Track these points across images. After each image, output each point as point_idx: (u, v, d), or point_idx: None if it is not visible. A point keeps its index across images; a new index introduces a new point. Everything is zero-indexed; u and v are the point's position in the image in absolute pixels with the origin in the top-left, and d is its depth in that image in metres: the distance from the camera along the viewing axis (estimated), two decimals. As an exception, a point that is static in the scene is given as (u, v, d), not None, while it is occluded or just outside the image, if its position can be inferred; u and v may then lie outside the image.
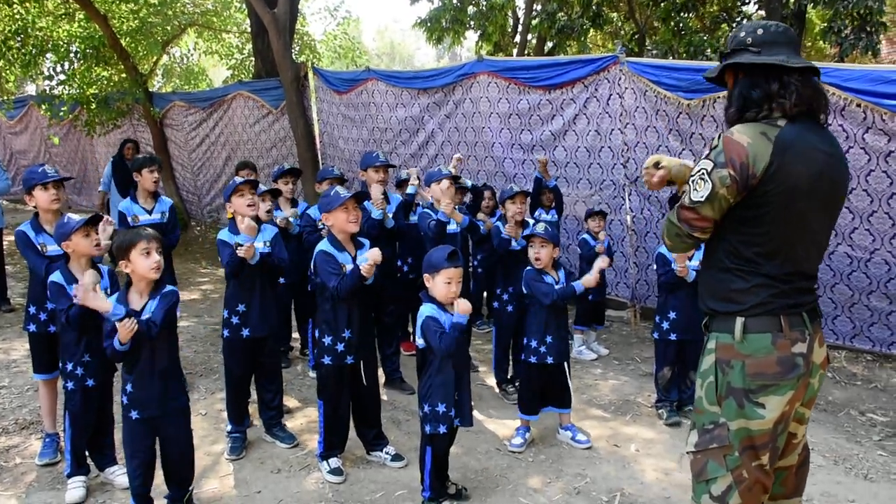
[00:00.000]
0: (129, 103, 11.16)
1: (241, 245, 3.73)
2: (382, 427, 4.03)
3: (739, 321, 2.17)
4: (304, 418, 4.58)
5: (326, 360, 3.65)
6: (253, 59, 11.63)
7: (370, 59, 15.12)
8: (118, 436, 3.99)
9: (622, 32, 13.55)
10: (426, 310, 3.31)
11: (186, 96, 11.43)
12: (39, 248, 3.77)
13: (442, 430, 3.31)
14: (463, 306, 3.21)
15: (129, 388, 3.10)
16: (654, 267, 4.58)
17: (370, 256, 3.53)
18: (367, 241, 3.76)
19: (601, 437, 4.30)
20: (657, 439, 4.28)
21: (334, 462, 3.77)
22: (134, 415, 3.11)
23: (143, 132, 11.86)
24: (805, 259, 2.20)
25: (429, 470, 3.39)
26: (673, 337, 4.49)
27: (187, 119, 11.16)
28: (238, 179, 4.06)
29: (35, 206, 3.87)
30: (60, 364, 3.58)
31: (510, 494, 3.62)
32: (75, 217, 3.48)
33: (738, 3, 12.08)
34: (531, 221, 4.75)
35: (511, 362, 5.00)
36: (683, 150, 5.72)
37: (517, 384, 4.93)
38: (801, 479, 2.41)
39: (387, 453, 3.91)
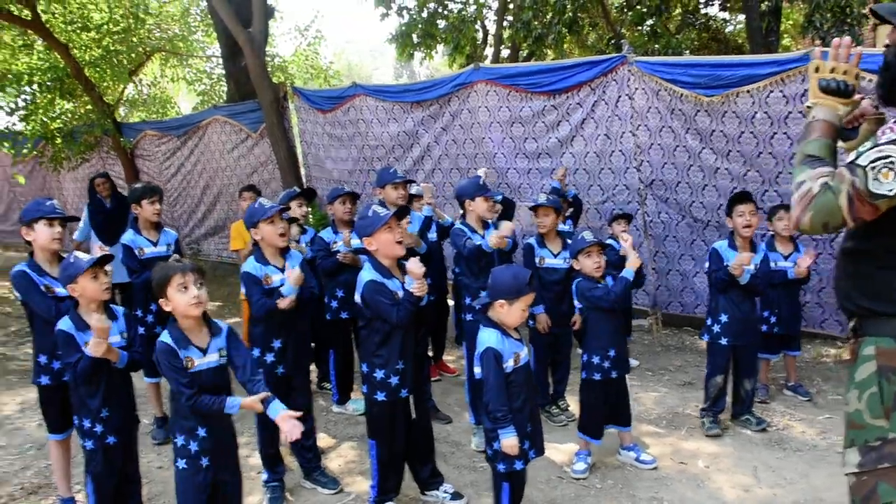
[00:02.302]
0: (98, 135, 10.62)
1: (283, 297, 3.50)
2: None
3: None
4: (340, 458, 4.23)
5: (380, 396, 3.27)
6: (224, 83, 11.22)
7: (342, 80, 14.78)
8: (146, 490, 3.61)
9: (590, 39, 13.46)
10: (489, 338, 2.97)
11: (158, 125, 10.94)
12: (45, 290, 3.39)
13: (519, 466, 3.00)
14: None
15: (201, 432, 2.82)
16: (707, 264, 4.33)
17: (413, 274, 3.17)
18: (405, 262, 3.37)
19: (663, 454, 4.03)
20: (723, 453, 4.03)
21: (390, 507, 3.43)
22: (204, 462, 2.84)
23: (113, 165, 11.31)
24: None
25: (508, 510, 3.07)
26: (724, 342, 4.23)
27: (160, 148, 10.69)
28: (266, 204, 3.66)
29: (31, 242, 3.49)
30: (76, 421, 3.16)
31: (587, 527, 3.33)
32: (83, 257, 3.11)
33: (700, 5, 12.11)
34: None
35: (552, 383, 4.71)
36: (703, 148, 5.54)
37: (560, 404, 4.66)
38: None
39: (445, 492, 3.56)
